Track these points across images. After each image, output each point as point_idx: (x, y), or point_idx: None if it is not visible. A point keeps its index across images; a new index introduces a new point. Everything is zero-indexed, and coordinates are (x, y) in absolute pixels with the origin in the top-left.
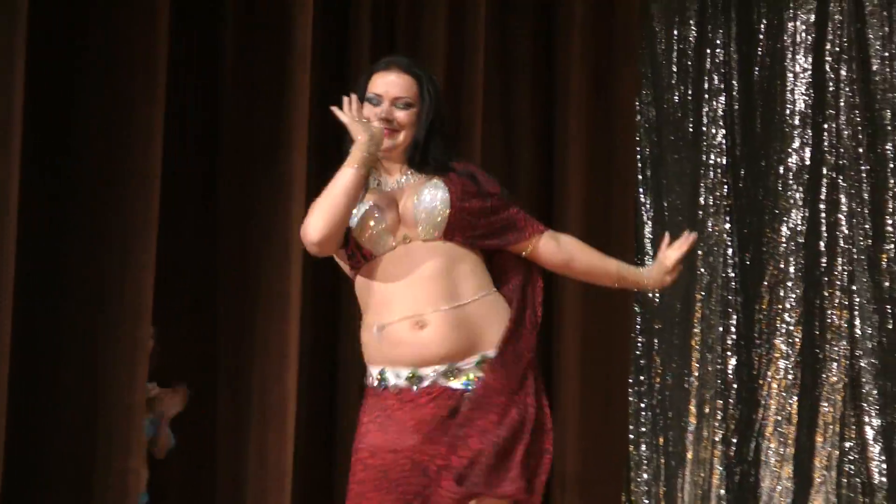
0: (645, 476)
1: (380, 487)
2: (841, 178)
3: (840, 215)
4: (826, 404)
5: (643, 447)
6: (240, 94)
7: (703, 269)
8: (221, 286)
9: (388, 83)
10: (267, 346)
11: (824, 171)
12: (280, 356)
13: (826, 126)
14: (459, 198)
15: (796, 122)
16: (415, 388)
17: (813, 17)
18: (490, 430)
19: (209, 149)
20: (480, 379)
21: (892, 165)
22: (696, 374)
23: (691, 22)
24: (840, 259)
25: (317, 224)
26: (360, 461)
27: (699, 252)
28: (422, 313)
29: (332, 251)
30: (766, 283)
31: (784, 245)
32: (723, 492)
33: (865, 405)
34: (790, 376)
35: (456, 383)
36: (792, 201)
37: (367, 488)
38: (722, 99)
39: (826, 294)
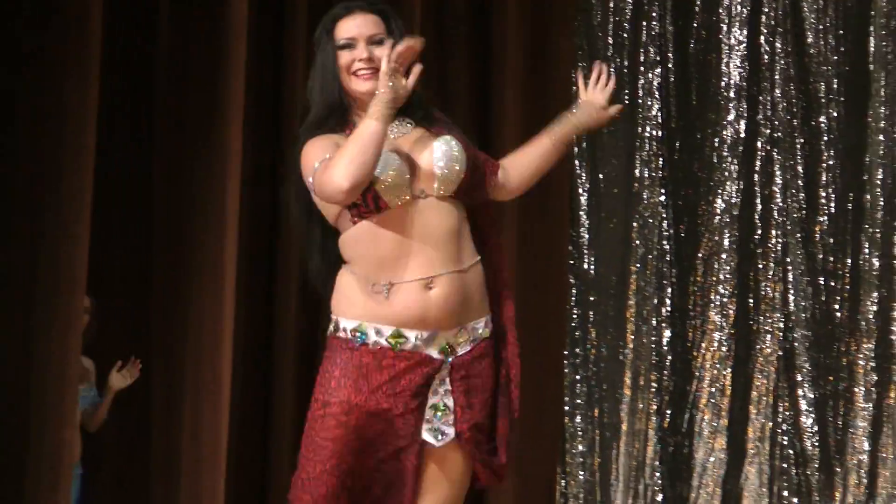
0: (580, 448)
1: (354, 449)
2: (776, 150)
3: (774, 188)
4: (759, 376)
5: (578, 419)
6: (175, 69)
7: (638, 242)
8: (156, 260)
9: (358, 25)
10: (201, 321)
11: (759, 143)
12: (214, 330)
13: (761, 99)
14: (472, 155)
15: (731, 94)
16: (395, 349)
17: None
18: (480, 403)
19: (145, 122)
20: (460, 350)
21: (826, 138)
22: (631, 345)
23: None
24: (774, 231)
25: (346, 172)
26: (332, 416)
27: (634, 224)
28: (433, 275)
29: (352, 200)
30: (700, 255)
31: (719, 217)
32: (657, 463)
33: (799, 377)
34: (724, 348)
35: (434, 351)
36: (727, 174)
37: (341, 447)
38: (657, 71)
39: (760, 266)
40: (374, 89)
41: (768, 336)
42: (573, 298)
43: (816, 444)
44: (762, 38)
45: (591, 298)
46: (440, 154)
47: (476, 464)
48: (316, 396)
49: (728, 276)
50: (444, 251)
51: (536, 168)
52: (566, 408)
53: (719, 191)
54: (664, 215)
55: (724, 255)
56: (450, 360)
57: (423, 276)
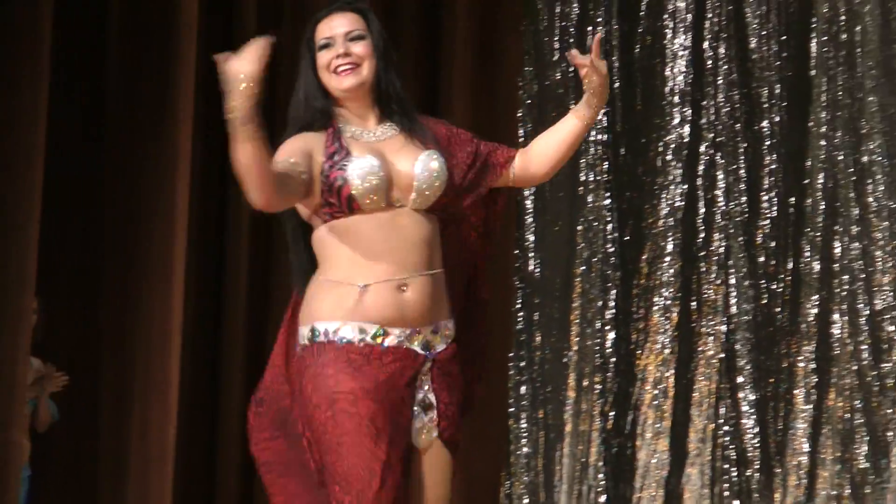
0: (525, 449)
1: (371, 434)
2: (719, 155)
3: (717, 192)
4: (702, 378)
5: (523, 421)
6: (126, 67)
7: (582, 244)
8: (106, 260)
9: (335, 24)
10: (151, 320)
11: (703, 148)
12: (163, 330)
13: (704, 104)
14: (453, 172)
15: (676, 99)
16: (382, 346)
17: None
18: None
19: (95, 122)
20: (438, 348)
21: (768, 143)
22: (576, 348)
23: (573, 0)
24: (717, 235)
25: (253, 198)
26: (342, 411)
27: (579, 227)
28: (405, 277)
29: (291, 203)
30: (644, 258)
31: (663, 221)
32: (601, 464)
33: (740, 379)
34: (667, 350)
35: (418, 347)
36: (671, 178)
37: (359, 438)
38: None
39: (703, 269)
40: (354, 85)
41: (710, 338)
42: (518, 301)
43: (757, 445)
44: (706, 43)
45: (536, 301)
46: (421, 168)
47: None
48: (316, 403)
49: (671, 278)
50: (416, 256)
51: (564, 148)
52: (510, 409)
53: (663, 195)
54: (609, 219)
55: (667, 259)
56: (430, 356)
57: (395, 278)
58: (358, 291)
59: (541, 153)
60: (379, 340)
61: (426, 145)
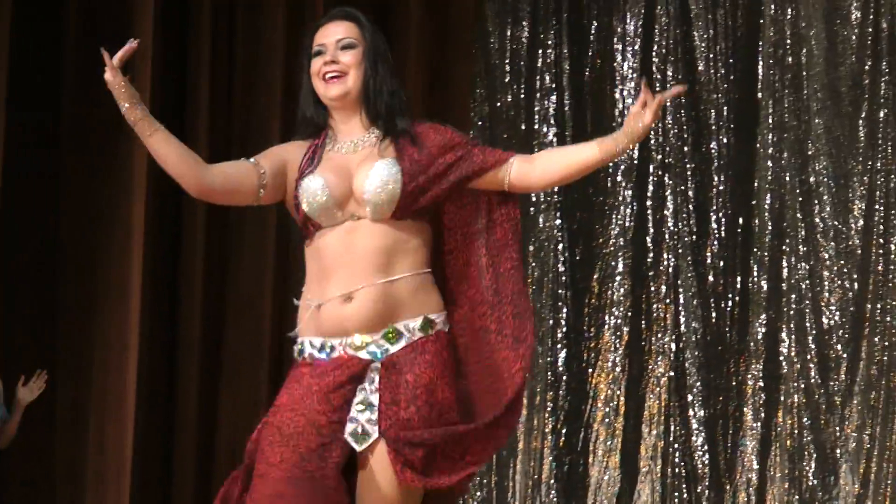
0: None
1: (273, 442)
2: (668, 175)
3: (666, 212)
4: (652, 396)
5: None
6: (81, 86)
7: (534, 264)
8: (62, 275)
9: (329, 31)
10: (107, 335)
11: (652, 168)
12: (120, 346)
13: (653, 125)
14: (411, 177)
15: (624, 120)
16: (326, 358)
17: (641, 20)
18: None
19: (51, 139)
20: (392, 349)
21: (716, 164)
22: None
23: (524, 23)
24: (666, 255)
25: (181, 184)
26: (271, 424)
27: (530, 247)
28: (352, 290)
29: (237, 198)
30: (595, 277)
31: (613, 241)
32: (553, 481)
33: (690, 397)
34: (618, 369)
35: (363, 353)
36: (621, 198)
37: (264, 445)
38: (553, 98)
39: (653, 288)
40: (339, 94)
41: (660, 357)
42: None
43: (707, 462)
44: (654, 66)
45: None
46: (373, 179)
47: (399, 467)
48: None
49: (622, 298)
50: (367, 267)
51: (571, 170)
52: None
53: (614, 215)
54: (560, 239)
55: (618, 278)
56: (380, 358)
57: (343, 293)
58: (314, 311)
59: (546, 167)
60: (326, 353)
61: (398, 153)
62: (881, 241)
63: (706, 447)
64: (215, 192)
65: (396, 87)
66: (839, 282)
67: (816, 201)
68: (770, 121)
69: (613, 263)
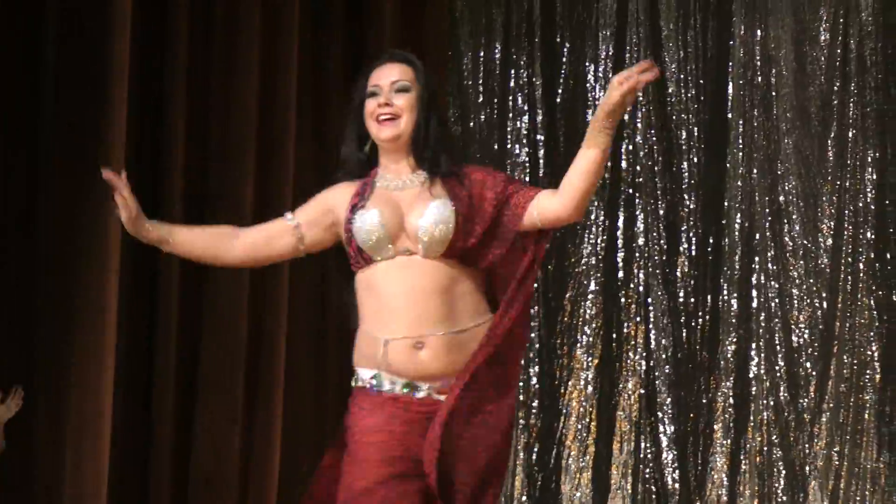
0: None
1: (380, 462)
2: (638, 195)
3: (637, 231)
4: (623, 413)
5: None
6: (59, 106)
7: None
8: (39, 294)
9: (384, 73)
10: (83, 355)
11: (622, 188)
12: (97, 365)
13: (624, 145)
14: (464, 217)
15: None
16: (412, 396)
17: (612, 41)
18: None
19: (29, 159)
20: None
21: (686, 184)
22: None
23: (496, 44)
24: (637, 273)
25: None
26: (357, 442)
27: None
28: (421, 335)
29: (276, 255)
30: (568, 296)
31: (585, 260)
32: (525, 498)
33: (660, 414)
34: (590, 387)
35: (443, 397)
36: (593, 217)
37: (371, 463)
38: (525, 118)
39: (623, 306)
40: (391, 136)
41: (632, 374)
42: None
43: (677, 479)
44: None
45: None
46: (428, 217)
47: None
48: (349, 437)
49: (594, 316)
50: (432, 310)
51: (588, 179)
52: None
53: (585, 234)
54: None
55: (590, 297)
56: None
57: (409, 335)
58: (381, 346)
59: (564, 191)
60: (410, 392)
61: (449, 193)
62: (850, 259)
63: (676, 464)
64: (250, 263)
65: (447, 131)
66: (808, 300)
67: (786, 220)
68: (740, 141)
69: (585, 282)
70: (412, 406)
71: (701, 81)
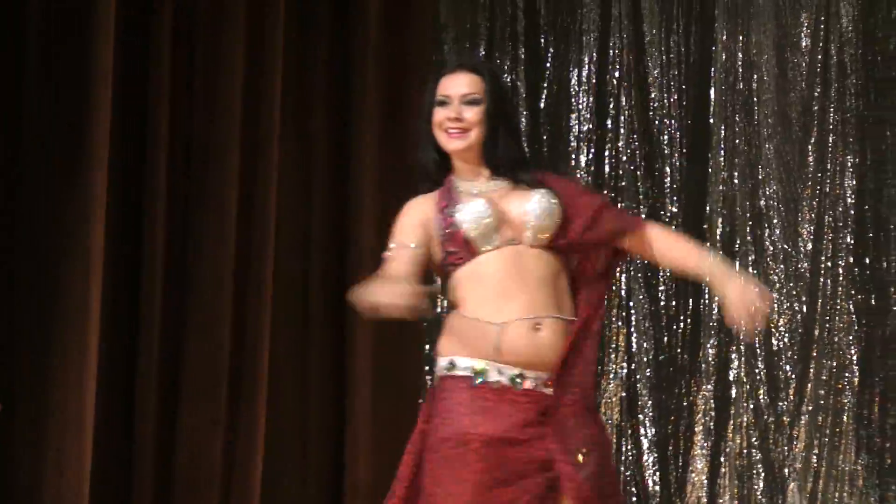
0: None
1: (497, 480)
2: (620, 198)
3: None
4: (604, 416)
5: None
6: (43, 107)
7: None
8: (20, 296)
9: (454, 82)
10: (67, 356)
11: (604, 192)
12: (79, 366)
13: (607, 150)
14: (573, 219)
15: (580, 145)
16: (516, 388)
17: (596, 46)
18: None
19: (10, 166)
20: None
21: (667, 188)
22: None
23: (481, 48)
24: (618, 277)
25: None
26: (474, 451)
27: None
28: (539, 316)
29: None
30: None
31: None
32: None
33: (641, 416)
34: None
35: (549, 390)
36: None
37: (489, 480)
38: None
39: (606, 310)
40: (459, 149)
41: (613, 377)
42: (427, 344)
43: (658, 481)
44: (608, 92)
45: None
46: (534, 204)
47: None
48: (445, 436)
49: None
50: (544, 294)
51: (676, 266)
52: None
53: None
54: None
55: None
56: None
57: (529, 316)
58: (495, 331)
59: (662, 251)
60: (516, 383)
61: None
62: (829, 264)
63: (657, 466)
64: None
65: (517, 142)
66: (788, 304)
67: (766, 225)
68: (722, 145)
69: None
70: (519, 399)
71: (683, 86)
